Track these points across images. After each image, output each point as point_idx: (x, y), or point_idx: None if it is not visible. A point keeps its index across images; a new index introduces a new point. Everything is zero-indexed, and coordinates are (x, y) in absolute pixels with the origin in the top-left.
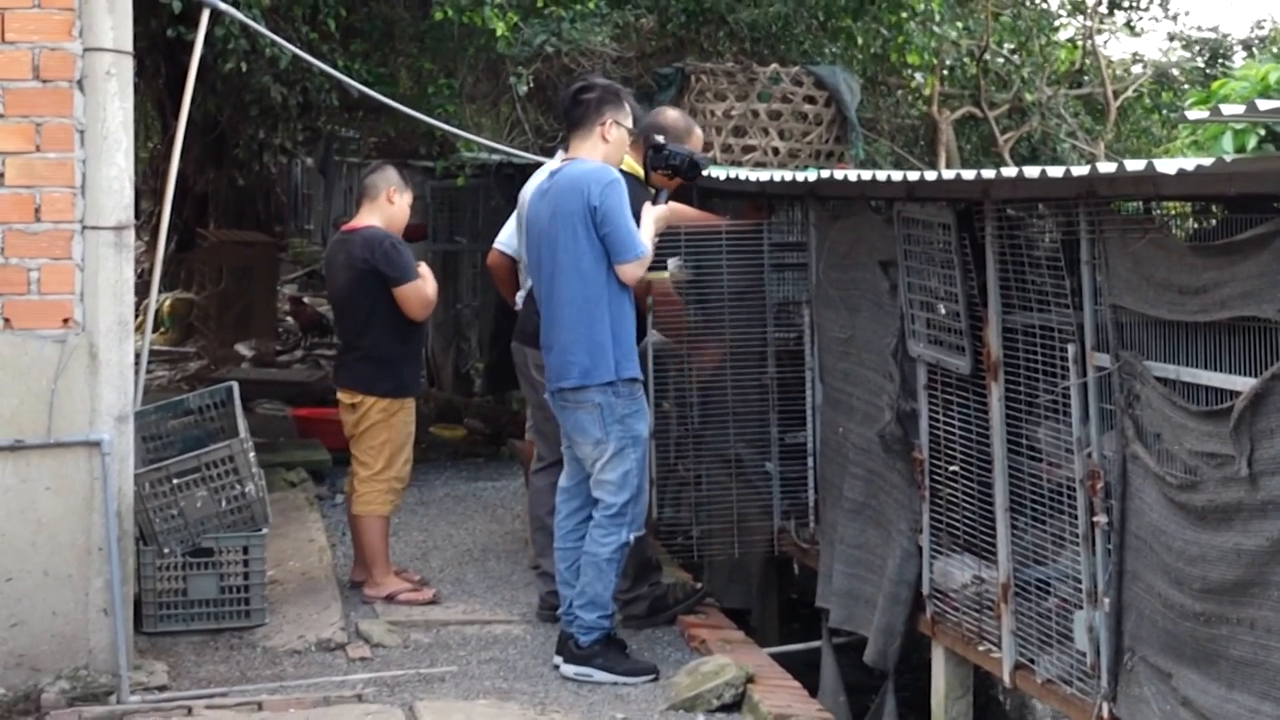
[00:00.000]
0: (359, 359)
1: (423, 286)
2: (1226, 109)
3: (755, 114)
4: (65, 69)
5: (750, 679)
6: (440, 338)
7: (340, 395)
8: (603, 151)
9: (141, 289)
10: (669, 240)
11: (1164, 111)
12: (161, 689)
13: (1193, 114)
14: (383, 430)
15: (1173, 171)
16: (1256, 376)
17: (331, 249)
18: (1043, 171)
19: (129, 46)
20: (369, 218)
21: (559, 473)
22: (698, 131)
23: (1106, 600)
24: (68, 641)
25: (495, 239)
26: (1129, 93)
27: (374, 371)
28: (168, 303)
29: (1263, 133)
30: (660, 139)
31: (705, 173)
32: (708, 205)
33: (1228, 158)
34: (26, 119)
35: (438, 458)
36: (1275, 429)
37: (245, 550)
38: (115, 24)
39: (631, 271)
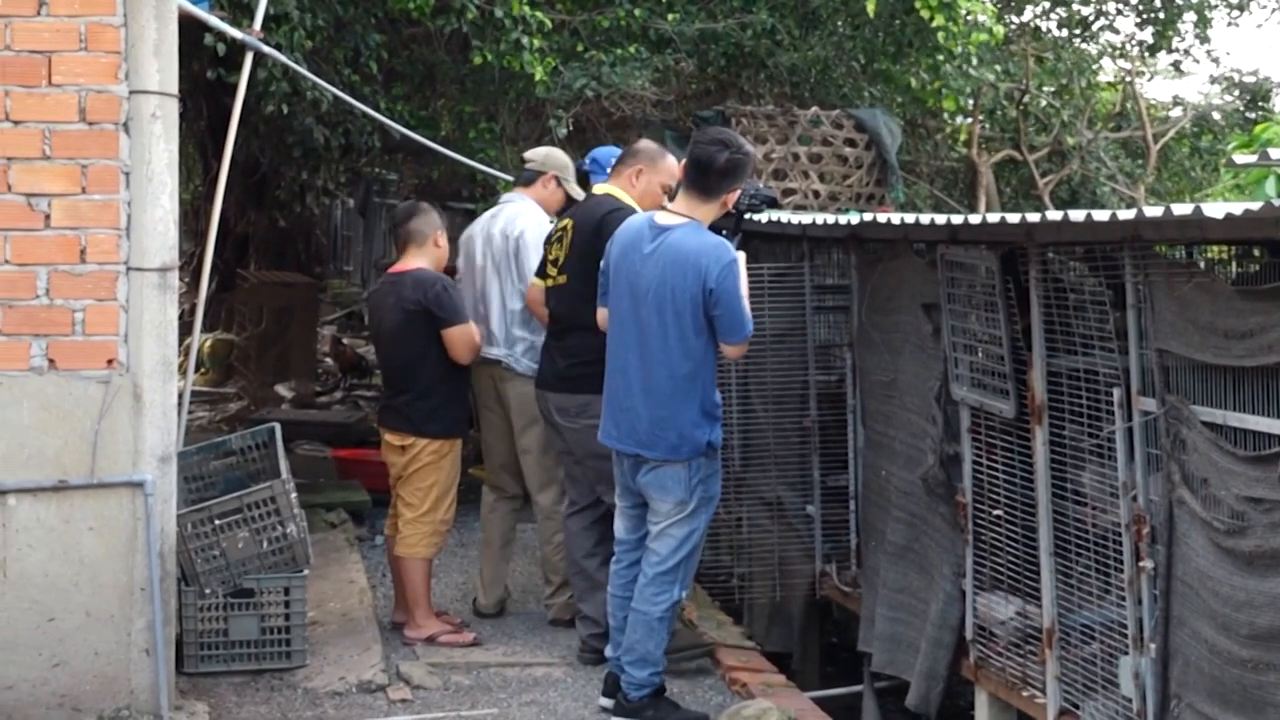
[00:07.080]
0: (409, 401)
1: (471, 330)
2: (1275, 153)
3: (796, 157)
4: (111, 111)
5: None
6: None
7: (388, 437)
8: (715, 214)
9: (183, 329)
10: None
11: (1204, 154)
12: None
13: (1240, 158)
14: (433, 472)
15: (1220, 215)
16: None
17: (378, 291)
18: (1088, 215)
19: (174, 89)
20: (417, 260)
21: (592, 516)
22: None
23: (1153, 646)
24: (109, 682)
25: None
26: (1169, 136)
27: (425, 413)
28: (208, 343)
29: None
30: None
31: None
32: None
33: (1276, 201)
34: (73, 161)
35: (477, 499)
36: None
37: (286, 591)
38: (161, 67)
39: (738, 350)
